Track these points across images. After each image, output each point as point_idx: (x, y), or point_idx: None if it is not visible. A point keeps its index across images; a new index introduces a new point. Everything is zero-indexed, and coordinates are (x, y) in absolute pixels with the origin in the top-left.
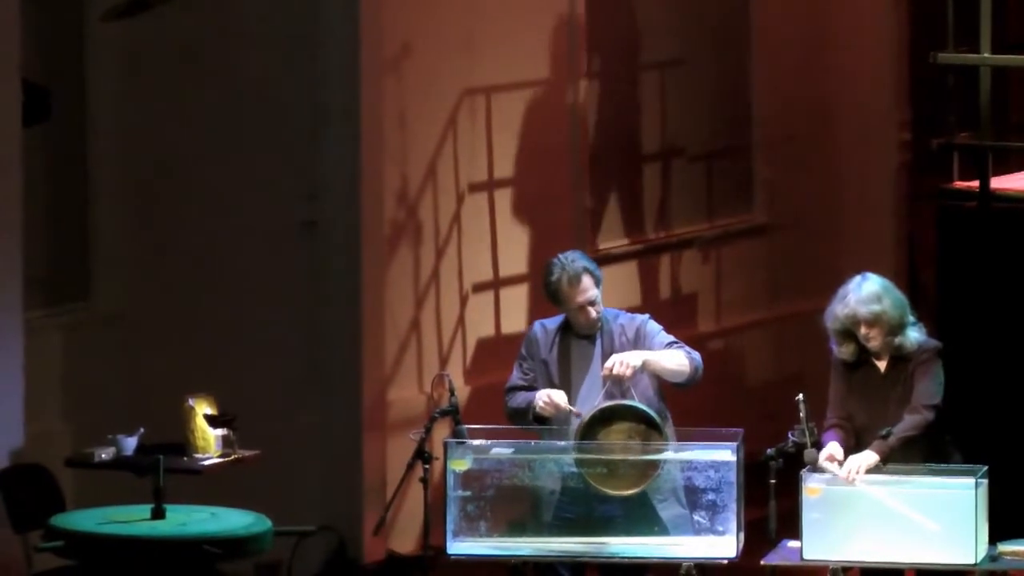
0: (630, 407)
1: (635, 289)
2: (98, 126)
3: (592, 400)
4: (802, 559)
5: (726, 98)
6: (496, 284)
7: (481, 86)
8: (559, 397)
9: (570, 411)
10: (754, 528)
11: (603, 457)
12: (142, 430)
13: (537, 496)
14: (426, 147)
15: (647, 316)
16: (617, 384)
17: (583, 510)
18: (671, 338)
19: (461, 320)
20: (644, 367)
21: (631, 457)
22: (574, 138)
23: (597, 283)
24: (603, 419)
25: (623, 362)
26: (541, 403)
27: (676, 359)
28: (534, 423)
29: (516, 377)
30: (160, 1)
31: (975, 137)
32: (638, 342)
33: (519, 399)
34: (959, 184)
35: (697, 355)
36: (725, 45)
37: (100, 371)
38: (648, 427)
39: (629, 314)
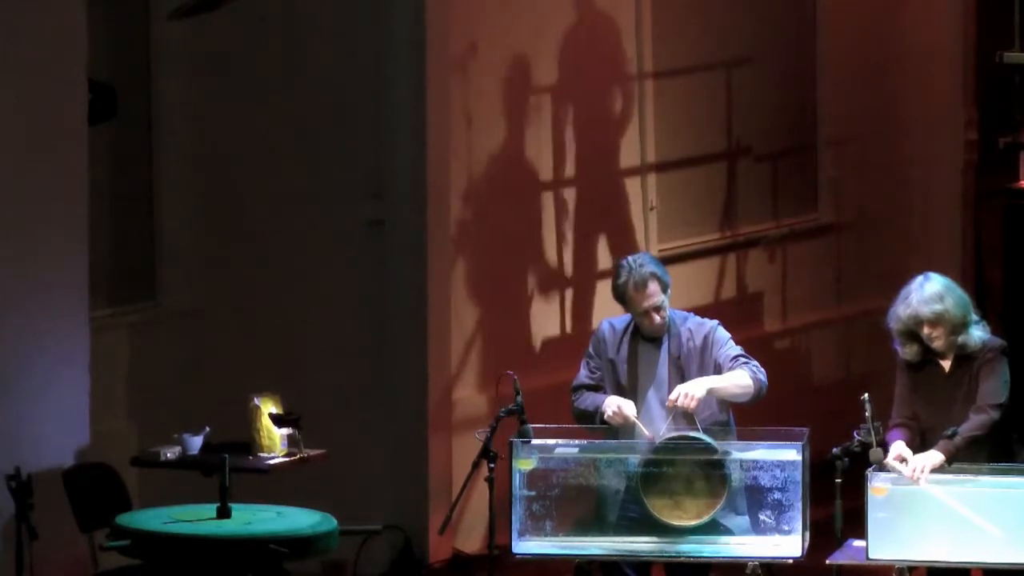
0: (693, 442)
1: (701, 289)
2: (164, 125)
3: (658, 411)
4: (868, 558)
5: (792, 98)
6: (562, 284)
7: (547, 85)
8: (629, 409)
9: (636, 424)
10: (819, 527)
11: (668, 472)
12: (208, 429)
13: (602, 495)
14: (492, 146)
15: (716, 322)
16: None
17: (648, 509)
18: (738, 350)
19: (526, 320)
20: (708, 395)
21: (695, 483)
22: (641, 137)
23: (664, 288)
24: (666, 452)
25: (687, 394)
26: (610, 412)
27: (740, 381)
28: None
29: (583, 376)
30: (226, 1)
31: None
32: (705, 349)
33: (587, 401)
34: None
35: (762, 374)
36: (791, 44)
37: (166, 370)
38: (710, 468)
39: (699, 318)
